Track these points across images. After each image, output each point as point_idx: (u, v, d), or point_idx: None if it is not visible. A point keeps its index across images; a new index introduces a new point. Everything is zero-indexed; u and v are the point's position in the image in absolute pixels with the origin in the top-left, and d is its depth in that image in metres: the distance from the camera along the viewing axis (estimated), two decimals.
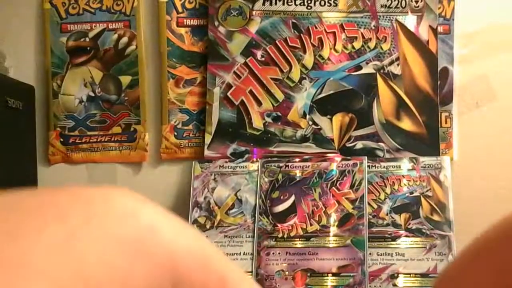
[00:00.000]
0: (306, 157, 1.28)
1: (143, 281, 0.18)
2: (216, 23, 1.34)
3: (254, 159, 1.29)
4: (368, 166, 1.25)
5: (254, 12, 1.33)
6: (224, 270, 0.20)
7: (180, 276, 0.19)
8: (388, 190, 1.23)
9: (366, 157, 1.26)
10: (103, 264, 0.17)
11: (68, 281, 0.17)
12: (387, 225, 1.20)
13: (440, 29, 1.32)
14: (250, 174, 1.27)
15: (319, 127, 1.31)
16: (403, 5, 1.31)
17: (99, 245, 0.18)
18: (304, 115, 1.32)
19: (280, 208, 1.23)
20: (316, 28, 1.32)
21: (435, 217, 1.20)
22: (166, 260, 0.19)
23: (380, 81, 1.31)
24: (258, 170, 1.27)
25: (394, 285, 1.16)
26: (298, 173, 1.25)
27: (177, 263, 0.19)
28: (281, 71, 1.32)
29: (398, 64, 1.31)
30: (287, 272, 1.17)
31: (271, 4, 1.33)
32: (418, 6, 1.31)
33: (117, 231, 0.19)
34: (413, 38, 1.31)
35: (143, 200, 0.20)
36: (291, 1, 1.32)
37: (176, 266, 0.19)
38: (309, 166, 1.26)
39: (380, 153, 1.29)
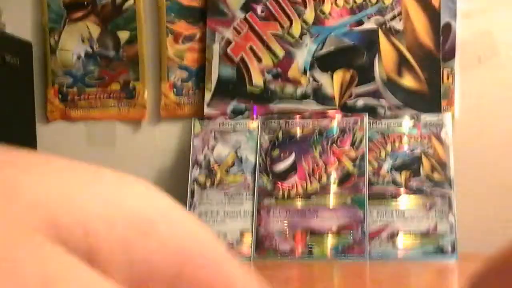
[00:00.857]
0: (307, 114, 1.27)
1: (145, 264, 0.18)
2: None
3: (254, 117, 1.28)
4: (369, 124, 1.24)
5: None
6: (234, 277, 0.20)
7: (184, 275, 0.18)
8: (389, 148, 1.22)
9: (367, 114, 1.25)
10: (105, 222, 0.17)
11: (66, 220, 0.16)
12: (388, 183, 1.20)
13: None
14: (250, 132, 1.26)
15: (319, 83, 1.30)
16: None
17: (107, 205, 0.17)
18: (304, 72, 1.30)
19: (281, 166, 1.23)
20: None
21: (436, 176, 1.19)
22: (174, 253, 0.18)
23: (381, 37, 1.29)
24: (258, 128, 1.26)
25: (394, 243, 1.16)
26: (298, 131, 1.24)
27: (185, 261, 0.18)
28: (282, 26, 1.30)
29: (400, 19, 1.29)
30: (287, 231, 1.18)
31: None
32: None
33: (131, 205, 0.18)
34: None
35: (163, 196, 0.19)
36: None
37: (183, 262, 0.18)
38: (309, 123, 1.25)
39: (381, 110, 1.28)
